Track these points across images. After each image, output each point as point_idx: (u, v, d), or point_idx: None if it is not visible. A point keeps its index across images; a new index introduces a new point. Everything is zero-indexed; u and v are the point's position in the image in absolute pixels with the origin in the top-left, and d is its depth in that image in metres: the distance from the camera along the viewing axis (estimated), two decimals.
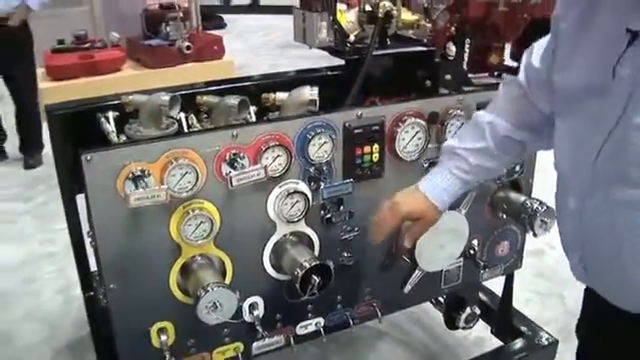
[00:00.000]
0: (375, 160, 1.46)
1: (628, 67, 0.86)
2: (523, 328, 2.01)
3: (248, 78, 1.93)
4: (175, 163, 1.22)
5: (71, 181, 1.66)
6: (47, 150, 3.86)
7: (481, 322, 2.02)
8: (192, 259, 1.33)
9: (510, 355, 1.93)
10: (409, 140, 1.49)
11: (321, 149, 1.38)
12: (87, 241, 1.75)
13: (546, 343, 1.94)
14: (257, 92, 1.70)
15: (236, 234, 1.35)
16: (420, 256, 1.56)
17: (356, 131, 1.41)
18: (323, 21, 1.95)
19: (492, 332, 2.09)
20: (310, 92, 1.66)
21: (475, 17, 2.09)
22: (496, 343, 2.19)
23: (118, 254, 1.24)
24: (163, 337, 1.35)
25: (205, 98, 1.68)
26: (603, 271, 1.03)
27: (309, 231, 1.45)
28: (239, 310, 1.36)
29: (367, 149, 1.44)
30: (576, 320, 2.30)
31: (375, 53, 1.89)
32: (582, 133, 0.97)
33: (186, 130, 1.60)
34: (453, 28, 2.08)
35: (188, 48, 4.74)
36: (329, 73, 1.99)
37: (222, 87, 1.75)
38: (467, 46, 2.22)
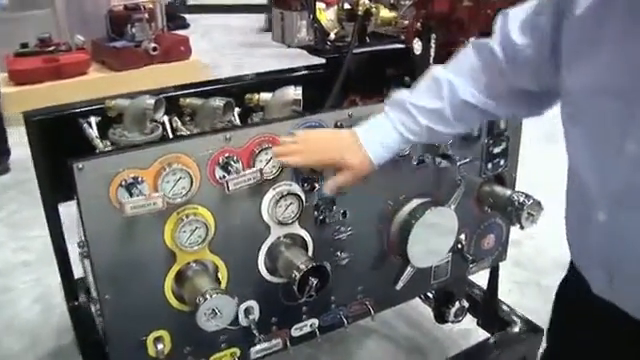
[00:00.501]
0: None
1: None
2: (509, 318, 2.04)
3: (229, 79, 1.91)
4: (169, 169, 1.19)
5: (53, 189, 1.63)
6: (14, 157, 3.75)
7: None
8: (187, 266, 1.31)
9: (498, 345, 1.95)
10: None
11: None
12: (71, 249, 1.73)
13: (533, 332, 1.97)
14: (239, 93, 1.68)
15: (231, 238, 1.34)
16: (412, 253, 1.57)
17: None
18: (303, 20, 1.93)
19: (478, 324, 2.12)
20: (294, 92, 1.66)
21: (440, 12, 2.11)
22: (482, 334, 2.23)
23: (112, 263, 1.21)
24: (159, 346, 1.32)
25: (188, 100, 1.65)
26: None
27: (303, 233, 1.44)
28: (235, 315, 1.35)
29: None
30: None
31: (355, 51, 1.90)
32: (612, 140, 0.88)
33: (170, 133, 1.58)
34: (419, 24, 2.10)
35: (154, 49, 4.67)
36: (309, 72, 1.99)
37: (203, 89, 1.73)
38: (433, 42, 2.23)
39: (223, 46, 7.11)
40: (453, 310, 1.85)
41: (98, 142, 1.45)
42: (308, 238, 1.45)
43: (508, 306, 2.09)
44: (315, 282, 1.33)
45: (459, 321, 1.92)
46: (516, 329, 1.99)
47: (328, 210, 1.45)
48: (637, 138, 0.85)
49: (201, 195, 1.26)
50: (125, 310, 1.27)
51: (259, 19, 8.18)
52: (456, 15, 2.18)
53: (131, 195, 1.16)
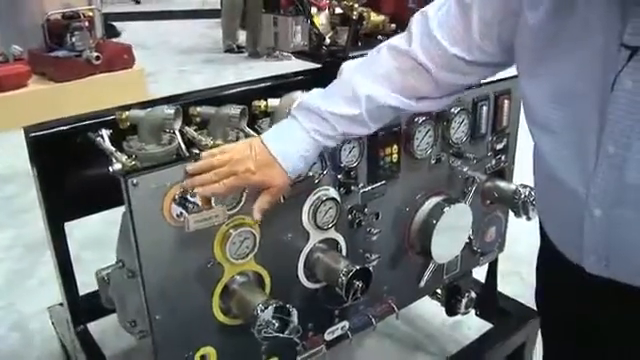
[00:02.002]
0: (395, 160, 1.48)
1: (630, 80, 0.82)
2: (507, 307, 2.11)
3: (218, 88, 1.88)
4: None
5: (59, 207, 1.56)
6: None
7: None
8: (232, 279, 1.28)
9: (500, 334, 2.02)
10: (421, 138, 1.52)
11: (351, 154, 1.37)
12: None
13: (531, 318, 2.05)
14: (239, 100, 1.65)
15: (273, 247, 1.32)
16: (434, 249, 1.61)
17: (380, 133, 1.42)
18: (297, 25, 1.93)
19: (477, 314, 2.18)
20: (302, 97, 1.65)
21: (388, 13, 2.18)
22: (472, 325, 2.30)
23: (163, 282, 1.17)
24: None
25: (199, 109, 1.61)
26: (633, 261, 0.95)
27: (338, 237, 1.44)
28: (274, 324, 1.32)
29: (388, 150, 1.45)
30: None
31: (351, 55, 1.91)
32: (588, 145, 0.90)
33: (182, 144, 1.54)
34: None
35: (97, 58, 4.50)
36: (305, 77, 1.98)
37: (207, 96, 1.71)
38: None
39: (162, 53, 6.95)
40: (464, 302, 1.90)
41: (120, 156, 1.39)
42: (342, 242, 1.45)
43: (506, 295, 2.16)
44: (360, 284, 1.33)
45: (468, 312, 1.97)
46: (515, 316, 2.07)
47: (361, 213, 1.45)
48: (613, 140, 0.87)
49: (247, 205, 1.23)
50: (175, 329, 1.22)
51: (195, 24, 8.08)
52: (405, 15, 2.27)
53: (185, 209, 1.12)
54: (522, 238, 2.87)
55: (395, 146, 1.46)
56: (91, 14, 4.66)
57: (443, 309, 2.04)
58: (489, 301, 2.12)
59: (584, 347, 1.14)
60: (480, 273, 2.10)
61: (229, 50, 6.97)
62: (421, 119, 1.50)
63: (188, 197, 1.13)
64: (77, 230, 2.71)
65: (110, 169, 1.42)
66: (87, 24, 4.55)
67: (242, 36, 7.03)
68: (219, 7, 7.22)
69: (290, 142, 1.13)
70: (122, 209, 1.46)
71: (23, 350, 2.30)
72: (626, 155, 0.86)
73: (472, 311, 2.09)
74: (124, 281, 1.30)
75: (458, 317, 2.15)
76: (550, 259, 1.12)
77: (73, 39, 4.48)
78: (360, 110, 1.11)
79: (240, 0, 6.65)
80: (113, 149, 1.44)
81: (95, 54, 4.51)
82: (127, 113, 1.50)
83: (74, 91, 4.41)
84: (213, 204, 1.14)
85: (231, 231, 1.21)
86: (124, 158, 1.39)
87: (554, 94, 0.93)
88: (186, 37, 7.88)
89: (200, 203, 1.13)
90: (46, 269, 1.68)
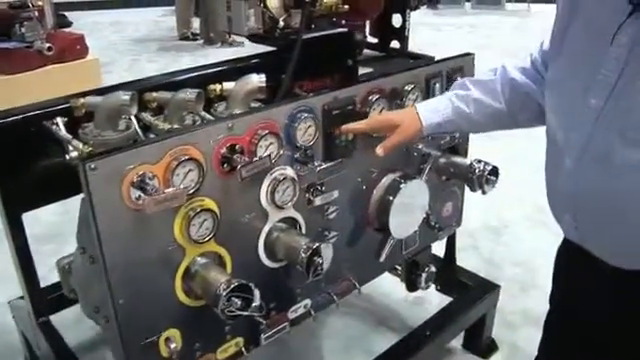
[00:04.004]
0: (350, 138, 1.50)
1: (626, 35, 0.91)
2: (467, 281, 2.18)
3: (178, 72, 1.88)
4: (178, 162, 1.17)
5: (15, 199, 1.54)
6: None
7: None
8: (193, 260, 1.29)
9: (461, 307, 2.08)
10: None
11: (306, 133, 1.39)
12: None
13: (490, 291, 2.12)
14: (194, 85, 1.66)
15: (233, 228, 1.33)
16: (392, 225, 1.64)
17: (334, 112, 1.44)
18: (251, 8, 1.93)
19: (437, 289, 2.24)
20: (259, 79, 1.67)
21: None
22: (433, 300, 2.36)
23: (125, 266, 1.17)
24: (172, 345, 1.30)
25: (155, 94, 1.62)
26: (599, 230, 1.04)
27: (297, 215, 1.46)
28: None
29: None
30: (494, 267, 2.53)
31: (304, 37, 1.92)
32: (577, 97, 1.00)
33: (138, 129, 1.54)
34: None
35: (49, 49, 4.39)
36: (260, 60, 1.99)
37: (162, 82, 1.71)
38: None
39: (115, 43, 6.81)
40: (424, 276, 1.95)
41: (77, 143, 1.38)
42: (301, 220, 1.48)
43: (465, 269, 2.22)
44: (321, 261, 1.36)
45: (428, 287, 2.02)
46: (475, 289, 2.13)
47: (318, 191, 1.48)
48: (597, 93, 0.96)
49: (206, 186, 1.24)
50: (138, 313, 1.23)
51: (149, 12, 7.93)
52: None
53: (144, 192, 1.13)
54: (476, 214, 2.97)
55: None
56: (40, 3, 4.53)
57: (404, 285, 2.09)
58: (449, 275, 2.18)
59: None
60: (439, 249, 2.16)
61: (184, 38, 6.89)
62: (375, 97, 1.53)
63: (146, 180, 1.14)
64: (34, 225, 2.68)
65: (66, 157, 1.42)
66: (37, 14, 4.42)
67: (196, 23, 6.95)
68: None
69: (432, 101, 1.43)
70: (79, 199, 1.47)
71: None
72: (604, 107, 0.95)
73: (432, 286, 2.15)
74: (86, 268, 1.29)
75: (419, 293, 2.21)
76: (570, 258, 1.19)
77: (22, 29, 4.35)
78: (495, 78, 1.33)
79: None
80: (69, 137, 1.43)
81: (47, 45, 4.39)
82: (82, 100, 1.49)
83: (27, 83, 4.30)
84: (172, 186, 1.16)
85: (190, 213, 1.22)
86: (80, 145, 1.38)
87: (570, 52, 1.05)
88: (140, 26, 7.75)
89: (158, 185, 1.14)
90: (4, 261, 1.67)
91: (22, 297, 1.74)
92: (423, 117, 1.37)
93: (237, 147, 1.27)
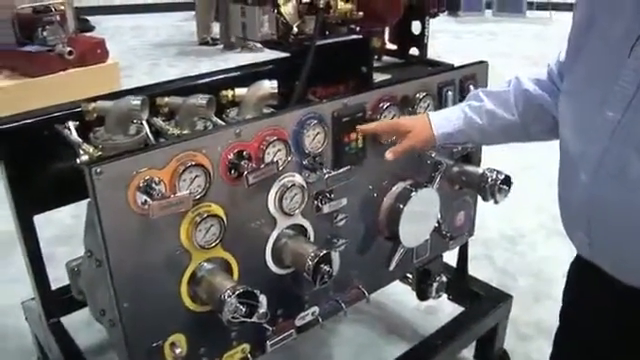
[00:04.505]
0: (360, 146, 1.50)
1: None
2: (479, 291, 2.15)
3: (190, 78, 1.89)
4: (185, 167, 1.17)
5: (28, 201, 1.56)
6: None
7: None
8: (200, 265, 1.29)
9: (473, 317, 2.06)
10: None
11: (315, 140, 1.39)
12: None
13: (503, 301, 2.09)
14: (207, 90, 1.66)
15: (241, 234, 1.33)
16: (403, 234, 1.63)
17: (344, 119, 1.43)
18: (265, 14, 1.93)
19: (449, 299, 2.22)
20: (271, 85, 1.67)
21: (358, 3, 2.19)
22: (445, 309, 2.33)
23: (131, 270, 1.18)
24: (177, 350, 1.30)
25: (167, 99, 1.62)
26: (614, 246, 1.02)
27: (305, 222, 1.45)
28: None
29: (353, 136, 1.47)
30: (507, 277, 2.49)
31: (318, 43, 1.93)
32: (594, 109, 0.98)
33: (149, 134, 1.55)
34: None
35: (70, 53, 4.44)
36: (273, 66, 2.00)
37: (174, 87, 1.71)
38: None
39: (135, 48, 6.88)
40: (435, 286, 1.93)
41: (88, 147, 1.39)
42: (309, 227, 1.47)
43: (476, 278, 2.20)
44: (328, 269, 1.35)
45: (440, 296, 2.00)
46: (487, 299, 2.10)
47: (327, 198, 1.47)
48: (614, 106, 0.94)
49: (213, 192, 1.24)
50: (144, 317, 1.23)
51: (169, 17, 8.01)
52: (372, 5, 2.27)
53: (150, 196, 1.13)
54: (491, 223, 2.94)
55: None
56: (63, 8, 4.58)
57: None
58: (461, 285, 2.16)
59: None
60: (451, 258, 2.14)
61: (204, 43, 6.94)
62: (385, 104, 1.52)
63: (153, 185, 1.14)
64: (49, 227, 2.71)
65: (77, 160, 1.43)
66: (59, 18, 4.47)
67: (216, 28, 7.00)
68: (193, 0, 7.18)
69: (444, 110, 1.43)
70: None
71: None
72: (621, 120, 0.93)
73: (444, 296, 2.13)
74: (93, 270, 1.30)
75: (431, 302, 2.19)
76: (582, 275, 1.17)
77: (44, 33, 4.40)
78: (508, 89, 1.32)
79: None
80: (80, 141, 1.44)
81: (68, 49, 4.44)
82: (94, 105, 1.50)
83: (47, 86, 4.35)
84: (178, 192, 1.16)
85: (197, 218, 1.22)
86: (91, 149, 1.39)
87: (587, 63, 1.03)
88: (160, 30, 7.82)
89: (164, 190, 1.14)
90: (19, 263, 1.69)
91: (34, 298, 1.76)
92: (435, 125, 1.37)
93: (245, 153, 1.27)
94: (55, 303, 1.73)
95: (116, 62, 4.95)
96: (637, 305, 1.01)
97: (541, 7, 8.94)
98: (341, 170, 1.46)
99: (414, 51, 5.95)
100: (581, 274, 1.18)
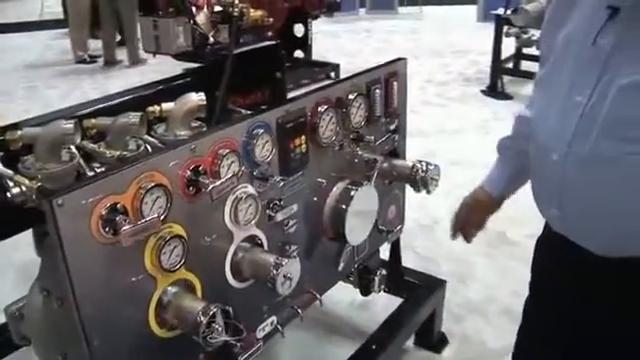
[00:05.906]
0: (304, 150, 1.51)
1: (606, 37, 1.01)
2: (414, 280, 2.24)
3: (112, 96, 1.81)
4: (145, 190, 1.13)
5: None
6: None
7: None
8: (164, 290, 1.24)
9: (413, 306, 2.14)
10: (326, 126, 1.56)
11: (264, 148, 1.38)
12: None
13: (438, 286, 2.19)
14: (130, 108, 1.61)
15: (201, 252, 1.30)
16: (348, 233, 1.66)
17: (288, 125, 1.44)
18: (179, 26, 1.89)
19: (385, 291, 2.27)
20: (199, 98, 1.65)
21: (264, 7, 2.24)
22: (378, 302, 2.39)
23: (98, 304, 1.11)
24: None
25: (94, 121, 1.56)
26: (582, 220, 1.11)
27: (258, 232, 1.44)
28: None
29: (297, 141, 1.48)
30: (432, 264, 2.59)
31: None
32: (563, 95, 1.09)
33: (80, 159, 1.47)
34: None
35: None
36: (193, 78, 1.97)
37: (100, 106, 1.64)
38: None
39: (8, 70, 6.41)
40: (377, 280, 1.98)
41: (22, 179, 1.29)
42: (263, 237, 1.46)
43: (410, 269, 2.28)
44: (291, 276, 1.35)
45: (381, 289, 2.05)
46: (424, 287, 2.19)
47: (278, 206, 1.47)
48: (581, 91, 1.05)
49: (173, 211, 1.20)
50: (114, 352, 1.17)
51: (36, 36, 7.54)
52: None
53: (115, 224, 1.07)
54: (408, 214, 3.04)
55: (303, 136, 1.50)
56: None
57: (348, 292, 2.09)
58: (396, 276, 2.23)
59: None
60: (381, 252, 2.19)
61: (81, 61, 6.60)
62: (323, 107, 1.55)
63: (115, 211, 1.09)
64: None
65: (8, 194, 1.33)
66: None
67: (93, 44, 6.69)
68: (61, 17, 6.81)
69: (491, 171, 1.55)
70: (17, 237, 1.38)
71: None
72: (587, 104, 1.03)
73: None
74: (51, 311, 1.21)
75: (363, 297, 2.24)
76: (553, 248, 1.27)
77: None
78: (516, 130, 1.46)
79: (86, 7, 6.33)
80: (10, 172, 1.34)
81: None
82: (20, 132, 1.40)
83: None
84: (141, 215, 1.11)
85: (160, 242, 1.17)
86: (27, 181, 1.30)
87: (557, 54, 1.14)
88: (29, 51, 7.33)
89: (128, 216, 1.09)
90: None
91: None
92: (485, 184, 1.54)
93: (201, 168, 1.24)
94: None
95: None
96: (605, 272, 1.11)
97: (411, 2, 9.40)
98: (289, 177, 1.46)
99: (298, 53, 6.02)
100: (552, 247, 1.27)
